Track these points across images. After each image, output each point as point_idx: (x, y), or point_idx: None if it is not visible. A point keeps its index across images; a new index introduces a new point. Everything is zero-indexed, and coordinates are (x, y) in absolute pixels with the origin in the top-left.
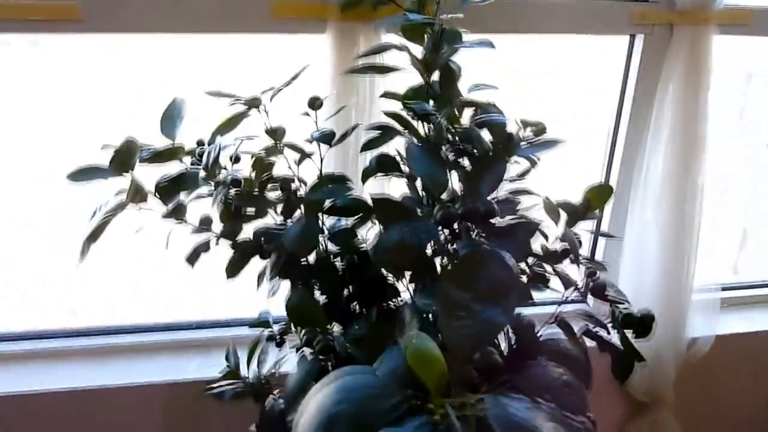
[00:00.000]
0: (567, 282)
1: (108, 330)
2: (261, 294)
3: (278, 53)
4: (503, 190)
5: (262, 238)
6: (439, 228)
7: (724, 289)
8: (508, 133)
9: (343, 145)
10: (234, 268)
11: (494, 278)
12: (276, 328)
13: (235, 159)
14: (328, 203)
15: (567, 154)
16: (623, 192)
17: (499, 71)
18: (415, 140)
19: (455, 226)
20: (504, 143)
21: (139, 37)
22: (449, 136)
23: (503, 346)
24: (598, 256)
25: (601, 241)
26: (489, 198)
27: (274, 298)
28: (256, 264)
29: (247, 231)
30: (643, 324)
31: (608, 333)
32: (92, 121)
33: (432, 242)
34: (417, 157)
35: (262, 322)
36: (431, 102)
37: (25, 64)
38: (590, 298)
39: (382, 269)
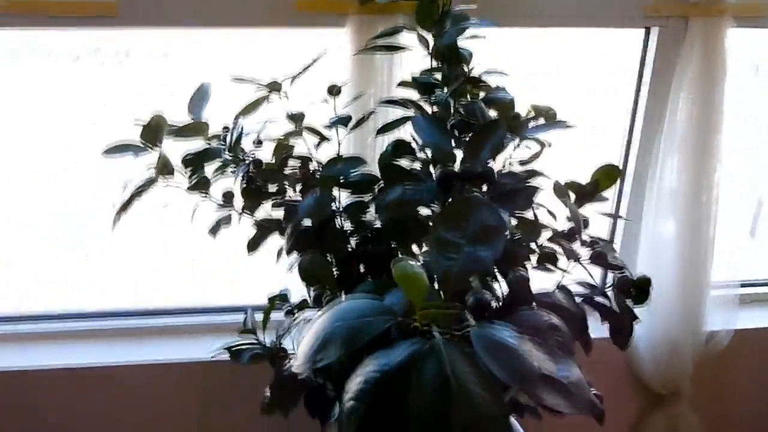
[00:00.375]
0: (570, 253)
1: (136, 312)
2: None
3: (291, 57)
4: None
5: (282, 217)
6: None
7: (743, 286)
8: (515, 112)
9: (361, 132)
10: (254, 244)
11: (483, 222)
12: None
13: (258, 143)
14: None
15: (580, 153)
16: (639, 186)
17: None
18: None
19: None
20: (510, 122)
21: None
22: (455, 112)
23: (498, 292)
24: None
25: (618, 236)
26: (490, 166)
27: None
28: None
29: (267, 209)
30: (640, 287)
31: (609, 301)
32: (91, 121)
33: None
34: (423, 127)
35: (281, 296)
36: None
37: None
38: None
39: (392, 243)
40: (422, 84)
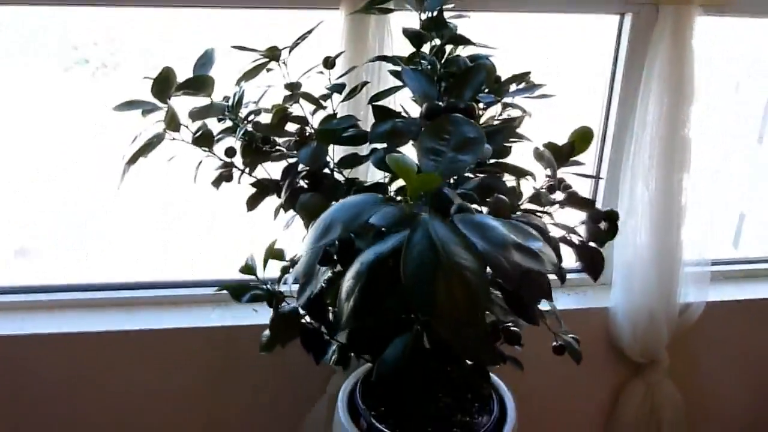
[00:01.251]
0: (547, 200)
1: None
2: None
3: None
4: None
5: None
6: None
7: (721, 264)
8: (497, 75)
9: (355, 103)
10: (253, 202)
11: (464, 135)
12: None
13: (257, 112)
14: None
15: (559, 132)
16: (615, 166)
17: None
18: None
19: None
20: (492, 85)
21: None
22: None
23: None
24: None
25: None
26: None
27: None
28: None
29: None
30: (610, 218)
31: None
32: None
33: None
34: (411, 76)
35: (276, 254)
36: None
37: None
38: None
39: None
40: (411, 35)
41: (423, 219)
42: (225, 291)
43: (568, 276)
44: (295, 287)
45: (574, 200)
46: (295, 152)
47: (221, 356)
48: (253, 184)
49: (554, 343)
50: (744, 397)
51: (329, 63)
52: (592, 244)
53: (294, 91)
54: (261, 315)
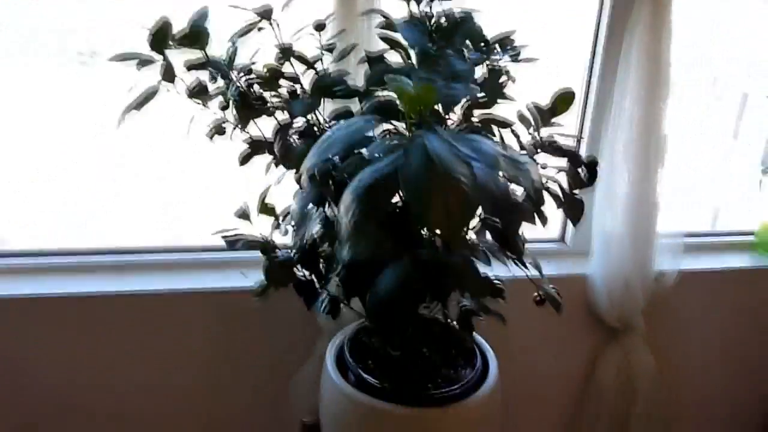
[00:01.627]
0: (531, 149)
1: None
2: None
3: None
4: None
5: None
6: None
7: (696, 236)
8: (483, 36)
9: (345, 65)
10: (245, 159)
11: (455, 68)
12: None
13: (249, 71)
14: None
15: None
16: (595, 139)
17: None
18: None
19: None
20: (478, 47)
21: None
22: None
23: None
24: None
25: None
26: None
27: None
28: None
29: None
30: (589, 165)
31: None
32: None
33: None
34: (405, 27)
35: (268, 208)
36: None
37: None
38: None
39: None
40: None
41: (420, 134)
42: (216, 255)
43: (548, 246)
44: (288, 241)
45: (556, 148)
46: (287, 107)
47: (214, 320)
48: (246, 141)
49: (535, 295)
50: (716, 362)
51: (320, 26)
52: (570, 187)
53: (285, 51)
54: (250, 280)
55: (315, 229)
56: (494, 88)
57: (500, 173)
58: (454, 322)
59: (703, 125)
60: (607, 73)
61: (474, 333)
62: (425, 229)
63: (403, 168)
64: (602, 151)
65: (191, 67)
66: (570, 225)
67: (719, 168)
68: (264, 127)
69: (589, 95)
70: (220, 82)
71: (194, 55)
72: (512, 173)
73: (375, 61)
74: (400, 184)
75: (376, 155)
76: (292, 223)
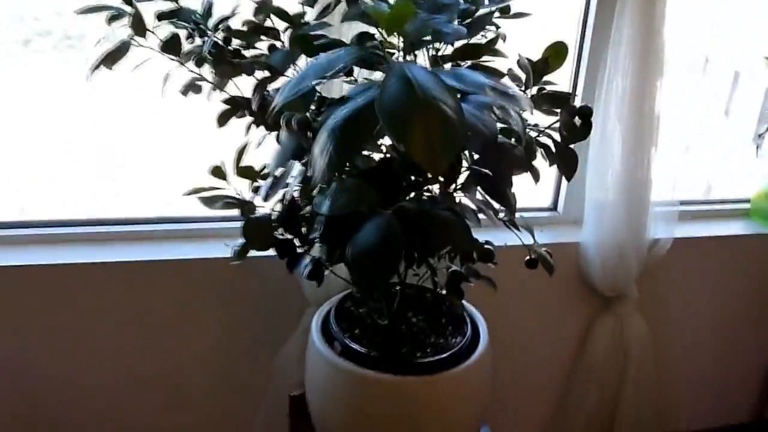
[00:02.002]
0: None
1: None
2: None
3: None
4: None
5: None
6: None
7: (690, 203)
8: None
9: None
10: (223, 119)
11: (438, 3)
12: None
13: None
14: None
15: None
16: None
17: None
18: None
19: None
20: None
21: None
22: None
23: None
24: None
25: None
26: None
27: None
28: None
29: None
30: (583, 114)
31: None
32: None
33: None
34: None
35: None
36: None
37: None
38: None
39: None
40: None
41: (400, 62)
42: (196, 226)
43: (540, 214)
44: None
45: (548, 97)
46: (266, 61)
47: (196, 290)
48: (224, 101)
49: (527, 258)
50: (709, 330)
51: None
52: (563, 138)
53: (264, 5)
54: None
55: (295, 186)
56: (480, 22)
57: (490, 113)
58: (443, 291)
59: (695, 102)
60: (599, 28)
61: (464, 301)
62: (411, 175)
63: (380, 96)
64: (595, 109)
65: (162, 16)
66: (562, 192)
67: (711, 142)
68: (244, 88)
69: (582, 52)
70: (198, 41)
71: (167, 7)
72: (502, 101)
73: (352, 2)
74: (377, 115)
75: (354, 94)
76: (270, 180)
